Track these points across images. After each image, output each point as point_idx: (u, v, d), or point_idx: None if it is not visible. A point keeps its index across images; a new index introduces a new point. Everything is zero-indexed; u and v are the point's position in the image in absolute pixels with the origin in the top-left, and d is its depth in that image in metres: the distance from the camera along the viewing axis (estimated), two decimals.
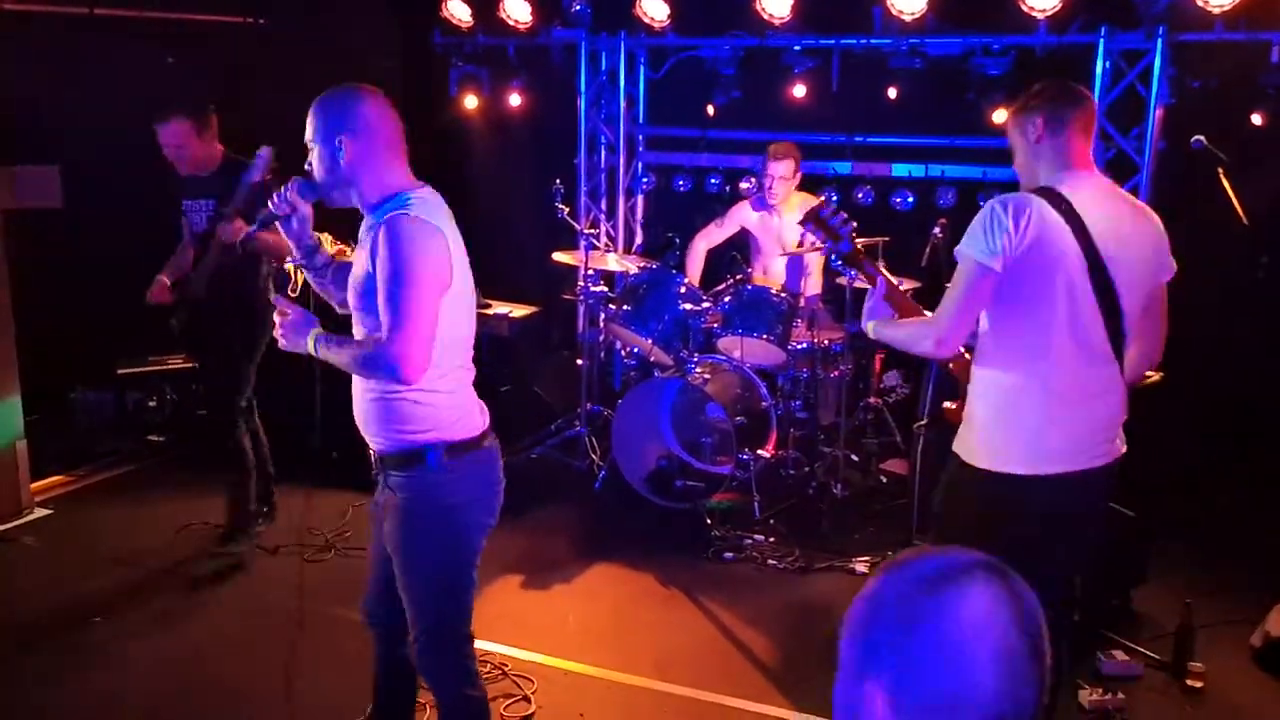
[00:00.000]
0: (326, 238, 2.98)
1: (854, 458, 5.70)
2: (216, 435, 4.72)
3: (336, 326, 2.73)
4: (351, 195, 2.66)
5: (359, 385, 2.71)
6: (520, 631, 4.13)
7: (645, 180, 7.09)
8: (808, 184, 5.96)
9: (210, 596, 4.41)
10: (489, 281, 5.78)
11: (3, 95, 5.71)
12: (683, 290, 5.45)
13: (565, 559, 4.85)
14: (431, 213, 2.57)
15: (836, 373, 5.49)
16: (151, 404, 6.20)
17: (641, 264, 5.78)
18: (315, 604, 4.12)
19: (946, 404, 3.21)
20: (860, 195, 6.16)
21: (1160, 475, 4.54)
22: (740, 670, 3.95)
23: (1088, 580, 4.03)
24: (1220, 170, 3.93)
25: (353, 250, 2.79)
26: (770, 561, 4.82)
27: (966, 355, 3.01)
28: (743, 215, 5.94)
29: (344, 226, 3.03)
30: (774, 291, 5.36)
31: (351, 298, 2.68)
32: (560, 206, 5.85)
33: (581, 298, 6.02)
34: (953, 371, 3.15)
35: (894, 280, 3.14)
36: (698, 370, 5.30)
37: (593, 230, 6.52)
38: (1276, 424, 5.27)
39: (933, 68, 5.88)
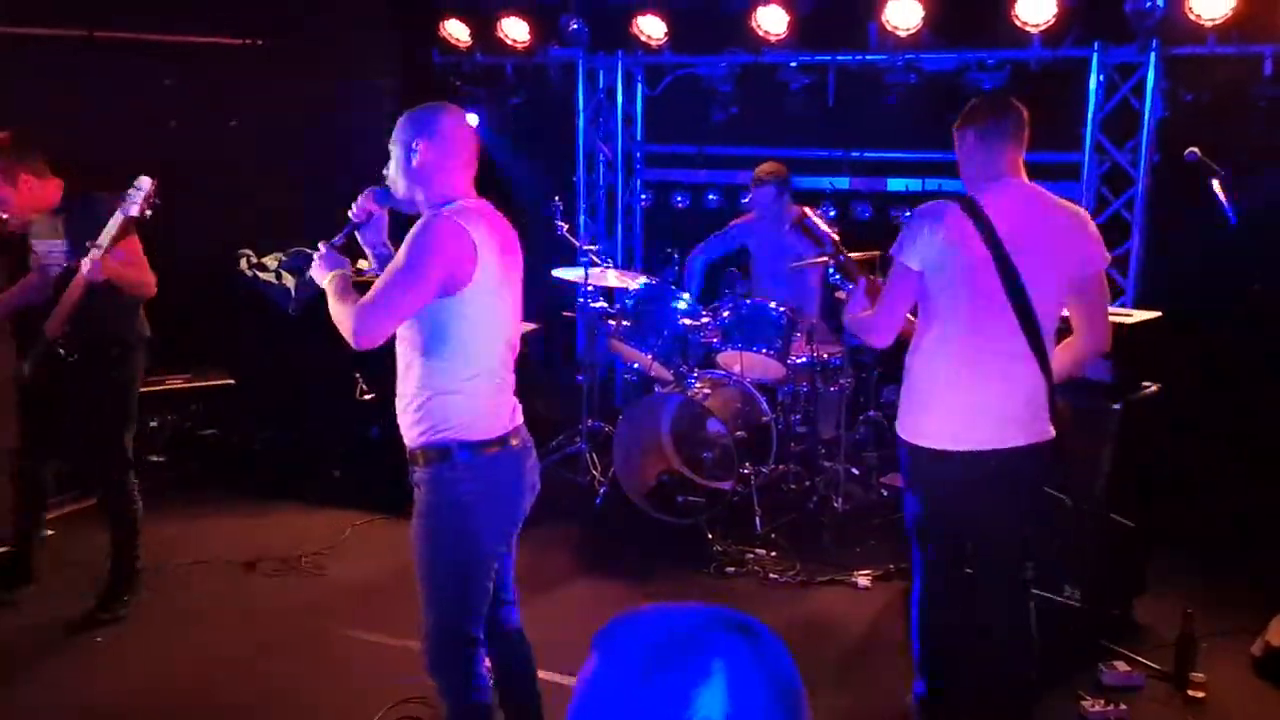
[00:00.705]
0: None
1: (855, 471, 5.70)
2: (106, 492, 4.36)
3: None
4: (418, 197, 2.76)
5: (398, 385, 2.78)
6: None
7: (644, 197, 7.13)
8: (806, 199, 5.96)
9: (207, 615, 4.40)
10: None
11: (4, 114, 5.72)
12: (682, 306, 5.46)
13: (567, 575, 4.85)
14: (467, 217, 2.66)
15: (836, 387, 5.50)
16: (153, 425, 6.19)
17: (641, 280, 5.80)
18: (316, 622, 4.11)
19: None
20: (858, 210, 6.19)
21: (1161, 485, 4.55)
22: None
23: (1088, 591, 4.04)
24: (1215, 182, 3.95)
25: None
26: (772, 576, 4.81)
27: None
28: (741, 231, 5.96)
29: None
30: (773, 306, 5.37)
31: None
32: (560, 224, 5.88)
33: (581, 314, 6.04)
34: None
35: (877, 280, 3.40)
36: (698, 385, 5.31)
37: (592, 247, 6.54)
38: (1277, 434, 5.27)
39: (928, 83, 5.93)
